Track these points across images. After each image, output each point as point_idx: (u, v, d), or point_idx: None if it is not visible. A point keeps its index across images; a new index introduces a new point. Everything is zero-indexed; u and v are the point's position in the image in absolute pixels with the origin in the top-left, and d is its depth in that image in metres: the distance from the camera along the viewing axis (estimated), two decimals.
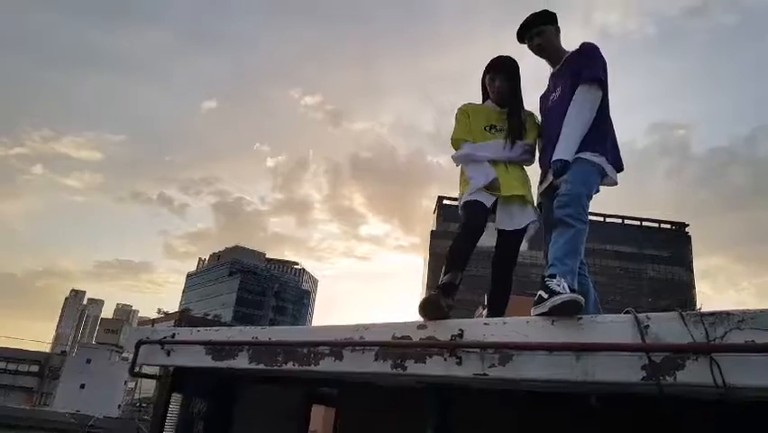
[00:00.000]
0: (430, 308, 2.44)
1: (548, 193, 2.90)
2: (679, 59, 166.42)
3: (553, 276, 2.35)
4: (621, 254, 73.04)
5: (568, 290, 2.23)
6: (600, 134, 2.80)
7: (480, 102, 3.26)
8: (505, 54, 3.19)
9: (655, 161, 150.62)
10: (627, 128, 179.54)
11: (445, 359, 2.23)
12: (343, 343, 2.54)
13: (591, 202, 2.78)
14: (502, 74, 3.12)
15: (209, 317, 75.03)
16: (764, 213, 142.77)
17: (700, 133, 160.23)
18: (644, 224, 77.96)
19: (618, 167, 2.88)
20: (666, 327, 1.86)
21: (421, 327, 2.40)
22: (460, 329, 2.27)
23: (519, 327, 2.18)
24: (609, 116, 2.90)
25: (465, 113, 3.15)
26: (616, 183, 2.88)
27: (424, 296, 2.50)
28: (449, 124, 3.24)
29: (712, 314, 1.80)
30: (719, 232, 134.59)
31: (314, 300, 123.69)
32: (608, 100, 2.88)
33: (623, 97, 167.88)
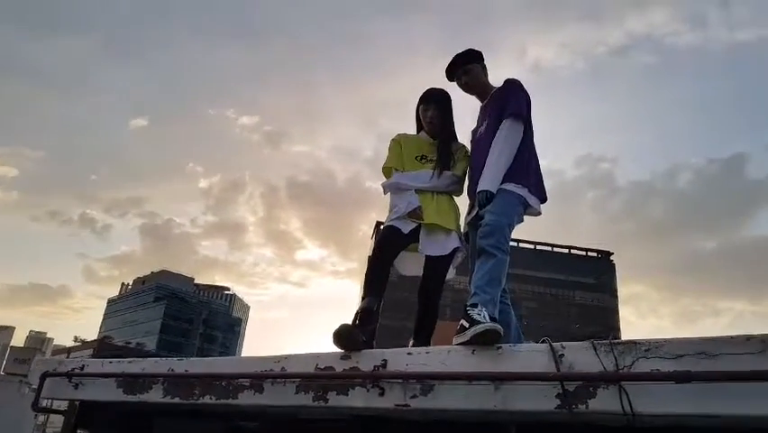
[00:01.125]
0: (343, 338, 2.39)
1: (474, 223, 2.96)
2: (605, 96, 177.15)
3: (474, 305, 2.37)
4: (551, 281, 75.39)
5: (488, 319, 2.25)
6: (523, 167, 2.88)
7: (416, 132, 3.31)
8: (438, 87, 3.26)
9: (583, 192, 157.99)
10: (558, 159, 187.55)
11: (368, 390, 2.20)
12: (264, 375, 2.46)
13: (525, 230, 2.87)
14: (434, 105, 3.18)
15: (131, 346, 71.42)
16: (681, 243, 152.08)
17: (624, 166, 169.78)
18: (573, 251, 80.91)
19: (542, 198, 2.97)
20: (580, 356, 1.91)
21: (344, 357, 2.36)
22: (383, 359, 2.25)
23: (441, 356, 2.19)
24: (533, 149, 3.00)
25: (398, 142, 3.21)
26: (539, 213, 2.97)
27: (337, 326, 2.42)
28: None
29: (621, 343, 1.87)
30: (641, 261, 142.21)
31: (245, 327, 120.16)
32: (531, 134, 2.99)
33: (554, 130, 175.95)
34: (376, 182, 3.24)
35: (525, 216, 2.97)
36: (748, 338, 1.73)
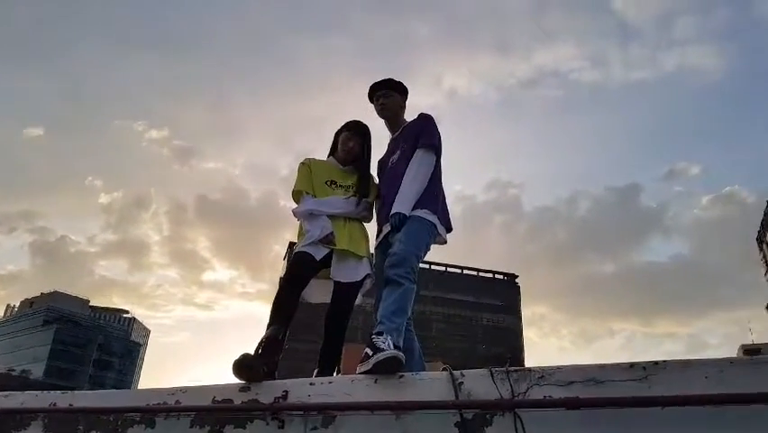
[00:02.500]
0: (244, 369, 2.31)
1: (382, 249, 3.00)
2: (515, 125, 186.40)
3: (379, 333, 2.38)
4: (460, 303, 77.29)
5: (392, 348, 2.27)
6: (433, 196, 2.98)
7: (327, 155, 3.33)
8: (363, 121, 3.33)
9: (492, 216, 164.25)
10: (470, 184, 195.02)
11: (267, 423, 2.12)
12: (157, 408, 2.32)
13: (437, 253, 2.93)
14: (358, 136, 3.23)
15: (14, 374, 65.44)
16: (581, 267, 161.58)
17: (531, 192, 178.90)
18: (481, 274, 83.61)
19: (448, 227, 3.06)
20: (478, 383, 1.96)
21: (243, 388, 2.27)
22: (284, 391, 2.19)
23: (344, 386, 2.16)
24: (441, 182, 3.10)
25: (307, 166, 3.20)
26: (445, 242, 3.05)
27: (237, 356, 2.34)
28: None
29: (516, 370, 1.93)
30: (544, 283, 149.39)
31: (145, 353, 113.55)
32: (440, 167, 3.09)
33: (467, 155, 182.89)
34: (291, 201, 3.18)
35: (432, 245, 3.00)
36: (632, 365, 1.83)
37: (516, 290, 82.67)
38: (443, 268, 79.13)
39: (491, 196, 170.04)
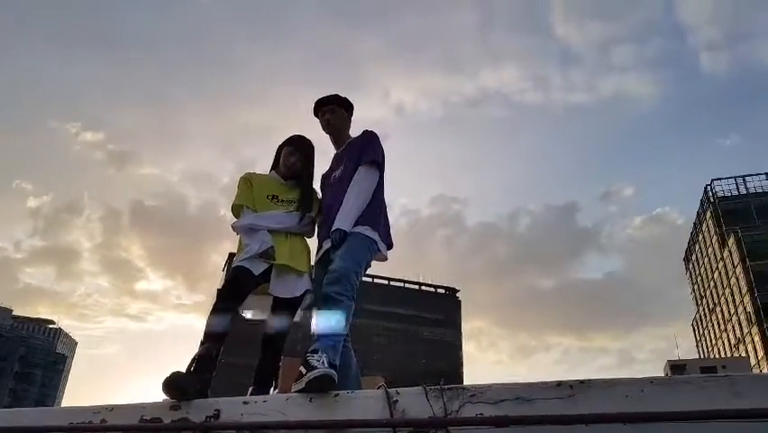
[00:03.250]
0: (174, 387, 2.24)
1: (322, 264, 2.96)
2: (460, 142, 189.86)
3: (315, 351, 2.37)
4: (402, 317, 77.64)
5: (327, 366, 2.25)
6: (375, 213, 2.99)
7: (270, 169, 3.29)
8: (306, 137, 3.30)
9: (436, 230, 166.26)
10: (415, 198, 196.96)
11: None
12: (80, 428, 2.22)
13: (381, 266, 2.89)
14: (300, 152, 3.19)
15: None
16: (520, 282, 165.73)
17: (473, 208, 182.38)
18: (423, 288, 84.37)
19: (389, 244, 3.06)
20: (412, 401, 1.98)
21: (174, 407, 2.20)
22: (216, 409, 2.14)
23: (278, 404, 2.14)
24: (384, 199, 3.12)
25: (247, 181, 3.15)
26: (386, 259, 3.06)
27: (168, 374, 2.28)
28: None
29: (450, 388, 1.97)
30: (484, 297, 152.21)
31: (71, 365, 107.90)
32: (383, 184, 3.11)
33: (413, 170, 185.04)
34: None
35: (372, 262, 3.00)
36: (558, 384, 1.90)
37: (456, 304, 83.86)
38: (386, 281, 79.41)
39: (435, 210, 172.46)
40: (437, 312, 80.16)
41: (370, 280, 73.79)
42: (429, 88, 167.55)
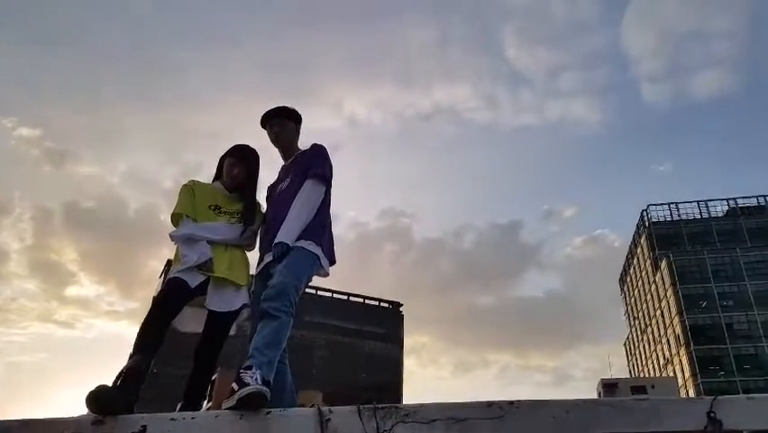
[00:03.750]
0: (99, 402, 2.14)
1: (262, 278, 2.90)
2: (411, 156, 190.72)
3: (249, 367, 2.31)
4: (344, 330, 77.19)
5: (260, 383, 2.20)
6: (320, 227, 2.95)
7: (213, 179, 3.22)
8: (249, 145, 3.24)
9: (383, 244, 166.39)
10: (364, 211, 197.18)
11: None
12: None
13: (324, 278, 2.92)
14: (243, 162, 3.13)
15: None
16: (463, 298, 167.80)
17: (421, 223, 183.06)
18: (367, 301, 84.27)
19: (332, 260, 3.03)
20: (345, 420, 1.96)
21: (97, 422, 2.10)
22: (142, 426, 2.05)
23: (207, 422, 2.07)
24: (329, 214, 3.09)
25: (190, 189, 3.06)
26: (327, 274, 3.01)
27: (94, 387, 2.18)
28: None
29: (383, 408, 1.96)
30: (427, 312, 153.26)
31: None
32: (329, 200, 3.07)
33: (364, 182, 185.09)
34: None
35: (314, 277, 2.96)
36: (489, 404, 1.94)
37: (399, 318, 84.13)
38: (330, 294, 78.92)
39: (384, 224, 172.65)
40: (380, 326, 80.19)
41: (313, 291, 73.10)
42: (383, 101, 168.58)
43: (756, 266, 55.89)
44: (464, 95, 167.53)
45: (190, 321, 2.93)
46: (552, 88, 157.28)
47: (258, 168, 3.21)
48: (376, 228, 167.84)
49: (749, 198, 62.40)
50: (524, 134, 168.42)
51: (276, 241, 2.78)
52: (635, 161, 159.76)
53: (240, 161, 3.13)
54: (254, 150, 3.24)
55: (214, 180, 3.22)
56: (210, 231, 2.91)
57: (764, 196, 61.79)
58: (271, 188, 3.28)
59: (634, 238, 72.41)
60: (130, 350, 2.56)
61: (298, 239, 2.81)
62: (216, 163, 3.27)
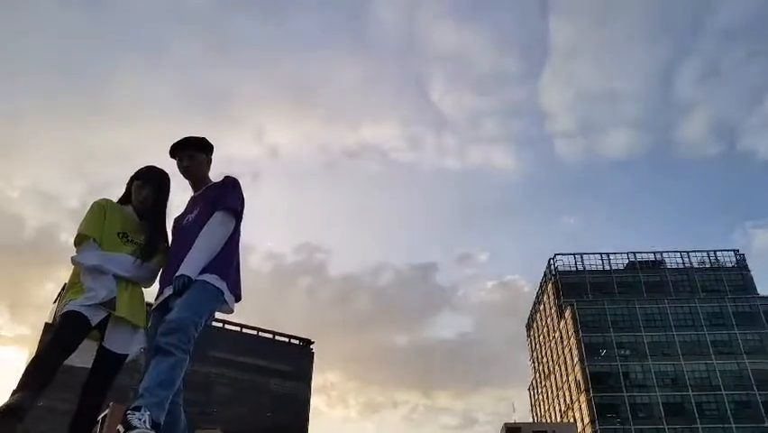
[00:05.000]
0: None
1: (160, 311, 2.78)
2: (333, 191, 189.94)
3: (137, 408, 2.20)
4: (250, 367, 74.19)
5: (149, 425, 2.14)
6: (227, 261, 2.85)
7: (121, 202, 3.08)
8: (160, 167, 3.15)
9: (299, 278, 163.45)
10: (281, 243, 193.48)
11: None
12: None
13: (238, 312, 2.87)
14: (153, 184, 3.04)
15: None
16: (375, 336, 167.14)
17: (338, 258, 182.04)
18: (277, 337, 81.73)
19: (238, 296, 2.91)
20: None
21: None
22: None
23: None
24: (237, 248, 2.99)
25: (102, 208, 2.92)
26: (232, 311, 2.92)
27: None
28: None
29: None
30: (339, 350, 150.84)
31: None
32: (239, 233, 2.99)
33: (283, 213, 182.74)
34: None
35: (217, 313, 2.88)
36: None
37: (309, 356, 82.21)
38: (239, 328, 75.93)
39: (300, 257, 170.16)
40: (289, 364, 77.89)
41: (221, 325, 70.33)
42: (307, 134, 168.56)
43: (651, 318, 59.52)
44: (390, 134, 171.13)
45: (84, 355, 2.73)
46: (473, 134, 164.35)
47: (168, 192, 3.13)
48: (293, 261, 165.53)
49: (647, 252, 66.93)
50: (445, 177, 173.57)
51: (178, 273, 2.68)
52: (547, 210, 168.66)
53: (148, 183, 3.03)
54: (165, 173, 3.14)
55: (121, 202, 3.07)
56: (117, 265, 2.78)
57: (660, 252, 66.49)
58: (178, 220, 3.15)
59: (541, 285, 75.32)
60: (17, 377, 2.45)
61: (202, 272, 2.71)
62: (124, 181, 3.14)
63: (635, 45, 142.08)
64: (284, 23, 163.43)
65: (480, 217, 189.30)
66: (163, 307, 2.76)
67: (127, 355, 2.77)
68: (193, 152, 3.10)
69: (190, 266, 2.67)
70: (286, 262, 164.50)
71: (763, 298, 59.97)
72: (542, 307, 75.55)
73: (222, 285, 2.74)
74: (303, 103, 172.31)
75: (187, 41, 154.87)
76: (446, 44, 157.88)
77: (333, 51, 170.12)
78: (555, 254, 68.54)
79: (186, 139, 3.11)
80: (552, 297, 69.14)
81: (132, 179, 3.06)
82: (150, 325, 2.85)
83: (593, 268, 66.44)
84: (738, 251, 66.56)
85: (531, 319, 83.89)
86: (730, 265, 64.76)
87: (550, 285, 69.88)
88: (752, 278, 63.45)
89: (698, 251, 65.76)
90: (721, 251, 65.66)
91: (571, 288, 65.03)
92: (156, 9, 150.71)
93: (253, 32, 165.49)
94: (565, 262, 67.59)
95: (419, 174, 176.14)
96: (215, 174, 3.23)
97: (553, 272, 68.40)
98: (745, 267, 64.49)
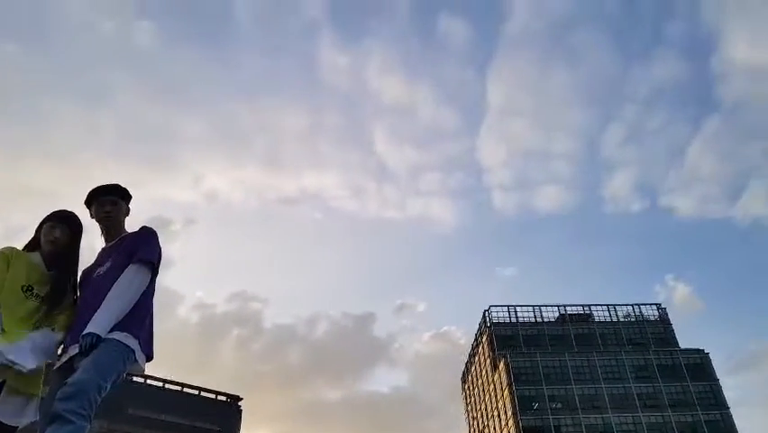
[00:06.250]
0: None
1: (62, 372, 2.59)
2: (271, 238, 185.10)
3: None
4: (174, 426, 69.43)
5: None
6: (139, 318, 2.73)
7: (28, 250, 2.93)
8: (73, 213, 3.01)
9: (230, 329, 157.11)
10: (213, 292, 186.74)
11: None
12: None
13: (163, 364, 2.55)
14: (65, 226, 2.92)
15: None
16: (309, 391, 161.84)
17: (273, 308, 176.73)
18: (203, 394, 77.42)
19: (150, 355, 2.79)
20: None
21: None
22: None
23: None
24: (152, 303, 2.87)
25: (6, 259, 2.74)
26: (143, 371, 2.83)
27: None
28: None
29: None
30: (270, 405, 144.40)
31: None
32: (154, 287, 2.87)
33: (217, 260, 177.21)
34: None
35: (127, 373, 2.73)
36: None
37: (238, 413, 78.04)
38: (161, 383, 71.46)
39: (233, 307, 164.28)
40: (214, 422, 73.52)
41: (142, 381, 65.93)
42: (247, 180, 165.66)
43: (581, 371, 60.60)
44: (331, 183, 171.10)
45: None
46: (414, 186, 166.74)
47: (80, 236, 3.00)
48: (224, 311, 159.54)
49: (576, 305, 68.87)
50: (385, 227, 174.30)
51: (86, 331, 2.51)
52: (484, 261, 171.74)
53: (60, 224, 2.90)
54: (78, 217, 3.01)
55: (28, 248, 2.91)
56: (19, 355, 2.49)
57: (589, 305, 68.57)
58: (88, 272, 3.00)
59: (476, 337, 75.68)
60: None
61: (113, 330, 2.57)
62: (36, 228, 2.98)
63: (565, 108, 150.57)
64: (232, 67, 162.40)
65: (420, 268, 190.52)
66: (67, 367, 2.58)
67: (17, 428, 2.60)
68: (116, 199, 3.03)
69: (99, 323, 2.54)
70: (217, 311, 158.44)
71: (684, 351, 62.60)
72: (477, 359, 75.69)
73: (133, 343, 2.62)
74: (245, 148, 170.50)
75: (129, 83, 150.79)
76: (392, 96, 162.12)
77: (280, 97, 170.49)
78: (490, 306, 69.36)
79: (110, 185, 3.04)
80: (486, 349, 69.45)
81: (43, 221, 2.94)
82: (49, 388, 2.62)
83: (526, 320, 67.50)
84: (660, 304, 69.53)
85: (466, 372, 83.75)
86: (653, 319, 67.49)
87: (485, 337, 70.29)
88: (673, 331, 66.28)
89: (623, 304, 68.30)
90: (645, 304, 68.44)
91: (505, 340, 65.61)
92: (100, 49, 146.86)
93: (199, 75, 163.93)
94: (500, 314, 68.40)
95: (360, 224, 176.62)
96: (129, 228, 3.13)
97: (488, 324, 68.94)
98: (667, 320, 67.35)
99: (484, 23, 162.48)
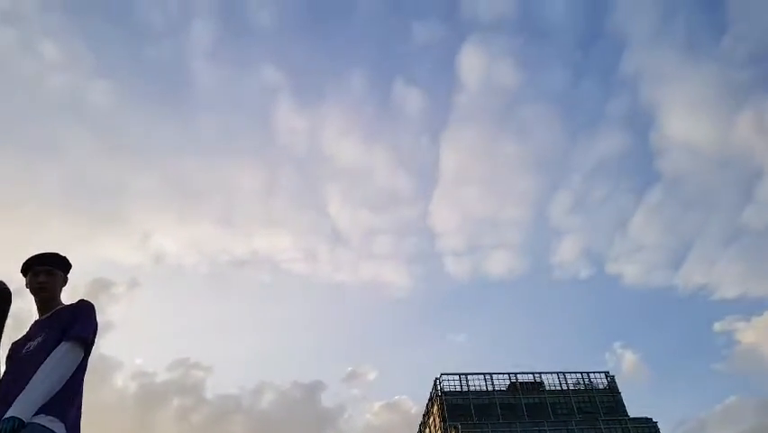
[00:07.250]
0: None
1: None
2: (218, 302, 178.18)
3: None
4: None
5: None
6: (68, 400, 2.56)
7: None
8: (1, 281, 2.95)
9: (170, 399, 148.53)
10: (153, 360, 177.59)
11: None
12: None
13: None
14: None
15: None
16: None
17: (217, 377, 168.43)
18: None
19: None
20: None
21: None
22: None
23: None
24: (82, 384, 2.69)
25: None
26: None
27: None
28: None
29: None
30: None
31: None
32: (86, 367, 2.72)
33: (158, 326, 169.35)
34: None
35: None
36: None
37: None
38: None
39: (174, 375, 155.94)
40: None
41: None
42: (197, 241, 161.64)
43: None
44: (284, 245, 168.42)
45: None
46: (367, 249, 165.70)
47: (9, 305, 2.92)
48: (164, 380, 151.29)
49: (527, 373, 68.52)
50: (337, 291, 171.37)
51: (8, 414, 2.33)
52: (436, 327, 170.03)
53: None
54: (6, 286, 2.93)
55: None
56: None
57: (539, 373, 68.36)
58: (16, 347, 2.83)
59: (427, 406, 73.91)
60: None
61: (38, 413, 2.39)
62: None
63: (515, 176, 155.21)
64: (189, 126, 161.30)
65: (371, 333, 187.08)
66: None
67: None
68: (52, 268, 2.90)
69: (23, 406, 2.36)
70: (156, 381, 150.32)
71: (633, 420, 62.66)
72: (428, 430, 73.58)
73: (59, 428, 2.44)
74: (197, 206, 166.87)
75: (80, 138, 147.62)
76: (347, 160, 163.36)
77: (234, 156, 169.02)
78: (441, 374, 68.26)
79: (46, 254, 2.93)
80: (437, 419, 67.73)
81: None
82: None
83: (477, 389, 66.59)
84: (609, 372, 70.01)
85: None
86: (602, 387, 67.72)
87: (436, 407, 68.71)
88: (622, 399, 66.50)
89: (573, 372, 68.51)
90: (594, 372, 68.82)
91: (456, 409, 64.28)
92: (52, 103, 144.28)
93: (154, 133, 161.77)
94: (451, 383, 67.32)
95: (311, 287, 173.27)
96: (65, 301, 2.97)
97: (439, 393, 67.61)
98: (616, 388, 67.69)
99: (437, 93, 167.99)
